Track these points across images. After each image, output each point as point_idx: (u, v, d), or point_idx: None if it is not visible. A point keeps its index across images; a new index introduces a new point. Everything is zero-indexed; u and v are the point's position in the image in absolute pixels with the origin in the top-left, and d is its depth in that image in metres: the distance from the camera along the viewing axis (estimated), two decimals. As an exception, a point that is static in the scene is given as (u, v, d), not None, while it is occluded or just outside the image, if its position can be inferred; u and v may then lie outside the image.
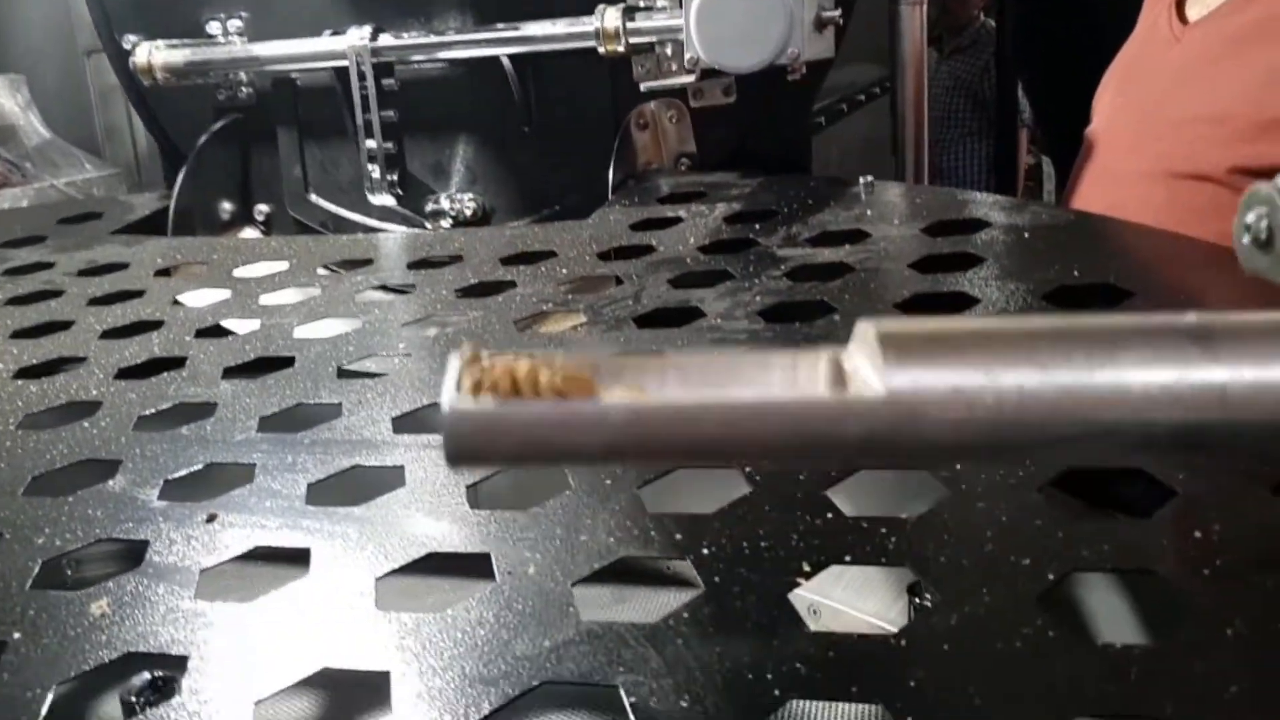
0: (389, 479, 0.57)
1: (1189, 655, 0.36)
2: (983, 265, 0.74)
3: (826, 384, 0.25)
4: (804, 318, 0.70)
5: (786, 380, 0.25)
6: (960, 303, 0.68)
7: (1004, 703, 0.35)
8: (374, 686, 0.42)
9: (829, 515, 0.47)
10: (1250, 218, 0.36)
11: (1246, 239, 0.37)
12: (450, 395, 0.24)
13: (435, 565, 0.49)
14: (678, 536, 0.47)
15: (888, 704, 0.36)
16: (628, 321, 0.74)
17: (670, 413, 0.24)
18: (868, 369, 0.24)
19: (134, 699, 0.54)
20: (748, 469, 0.51)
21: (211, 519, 0.55)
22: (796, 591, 0.43)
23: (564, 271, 0.87)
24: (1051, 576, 0.41)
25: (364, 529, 0.52)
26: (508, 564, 0.47)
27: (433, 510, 0.53)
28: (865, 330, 0.25)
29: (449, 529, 0.51)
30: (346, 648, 0.43)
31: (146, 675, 0.52)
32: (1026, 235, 0.78)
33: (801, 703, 0.49)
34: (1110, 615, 0.50)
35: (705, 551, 0.45)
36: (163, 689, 0.51)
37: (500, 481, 0.55)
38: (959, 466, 0.48)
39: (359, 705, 0.44)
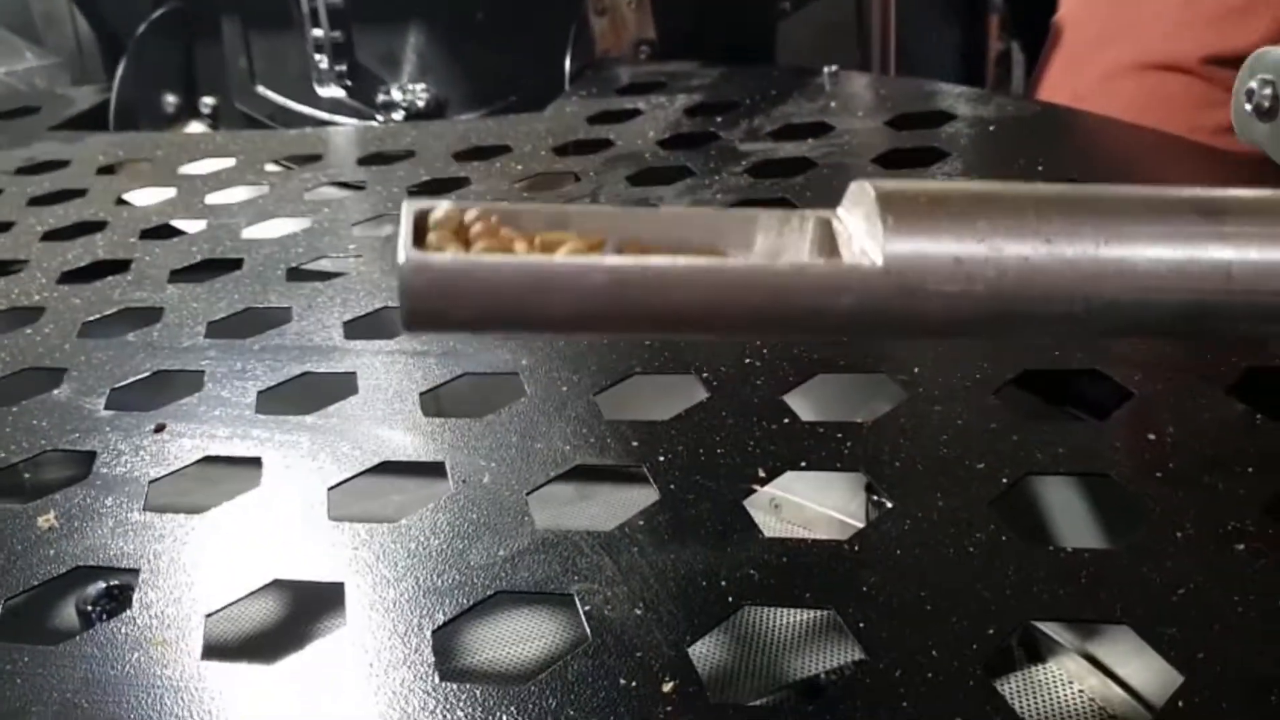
0: (341, 386, 0.56)
1: (1139, 558, 0.36)
2: (947, 160, 0.72)
3: (817, 249, 0.24)
4: (764, 215, 0.68)
5: (772, 243, 0.24)
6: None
7: (956, 607, 0.35)
8: (327, 597, 0.42)
9: (785, 420, 0.46)
10: (1254, 83, 0.34)
11: (1248, 106, 0.35)
12: (407, 246, 0.22)
13: (389, 474, 0.48)
14: (634, 444, 0.46)
15: (840, 609, 0.36)
16: (585, 220, 0.72)
17: (649, 275, 0.22)
18: (863, 234, 0.23)
19: (90, 608, 0.54)
20: (705, 374, 0.51)
21: (160, 429, 0.54)
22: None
23: (519, 168, 0.85)
24: (1005, 480, 0.41)
25: (316, 438, 0.51)
26: (462, 473, 0.46)
27: (386, 418, 0.52)
28: (862, 191, 0.23)
29: (403, 437, 0.50)
30: (299, 559, 0.43)
31: (101, 584, 0.52)
32: (992, 128, 0.77)
33: (755, 609, 0.49)
34: (1063, 519, 0.51)
35: (661, 459, 0.45)
36: (119, 597, 0.51)
37: (455, 389, 0.54)
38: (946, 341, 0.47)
39: (312, 616, 0.43)
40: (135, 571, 0.43)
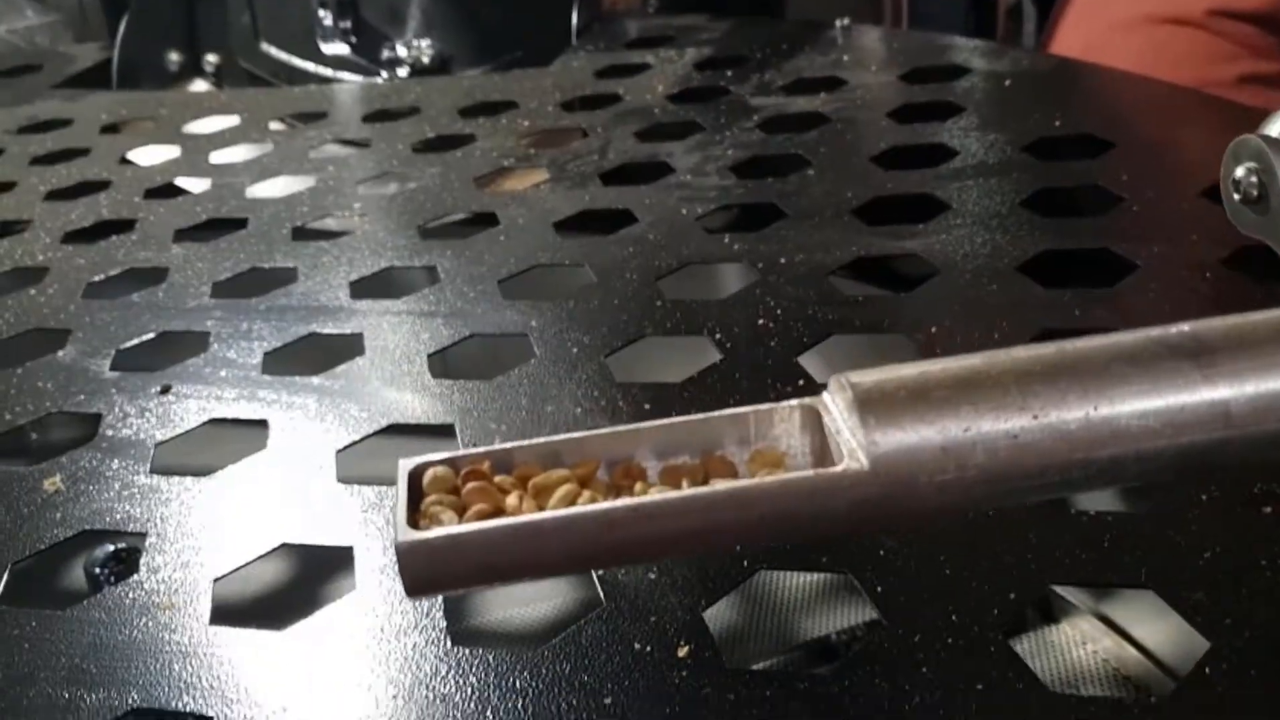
0: (348, 347, 0.55)
1: (1162, 522, 0.35)
2: (962, 115, 0.71)
3: (809, 440, 0.25)
4: (777, 172, 0.67)
5: (766, 437, 0.25)
6: (938, 155, 0.66)
7: (976, 572, 0.35)
8: (336, 561, 0.41)
9: (800, 382, 0.46)
10: (1239, 172, 0.33)
11: (1236, 196, 0.33)
12: (402, 525, 0.23)
13: (397, 437, 0.48)
14: (646, 406, 0.46)
15: (857, 573, 0.35)
16: (593, 178, 0.71)
17: (639, 514, 0.23)
18: (848, 429, 0.23)
19: (98, 571, 0.54)
20: (718, 336, 0.50)
21: (165, 390, 0.53)
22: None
23: (526, 124, 0.84)
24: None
25: (323, 400, 0.50)
26: (472, 435, 0.46)
27: (394, 380, 0.51)
28: (840, 387, 0.24)
29: (411, 399, 0.49)
30: (307, 523, 0.42)
31: (109, 547, 0.51)
32: (1007, 83, 0.76)
33: (771, 572, 0.48)
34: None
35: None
36: (126, 560, 0.50)
37: (464, 350, 0.54)
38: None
39: (321, 580, 0.43)
40: (142, 535, 0.43)
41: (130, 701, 0.35)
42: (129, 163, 0.89)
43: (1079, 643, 0.52)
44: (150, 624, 0.38)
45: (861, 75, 0.81)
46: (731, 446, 0.25)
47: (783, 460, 0.25)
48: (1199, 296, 0.49)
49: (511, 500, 0.24)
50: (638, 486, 0.25)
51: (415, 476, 0.25)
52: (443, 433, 0.47)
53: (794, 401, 0.25)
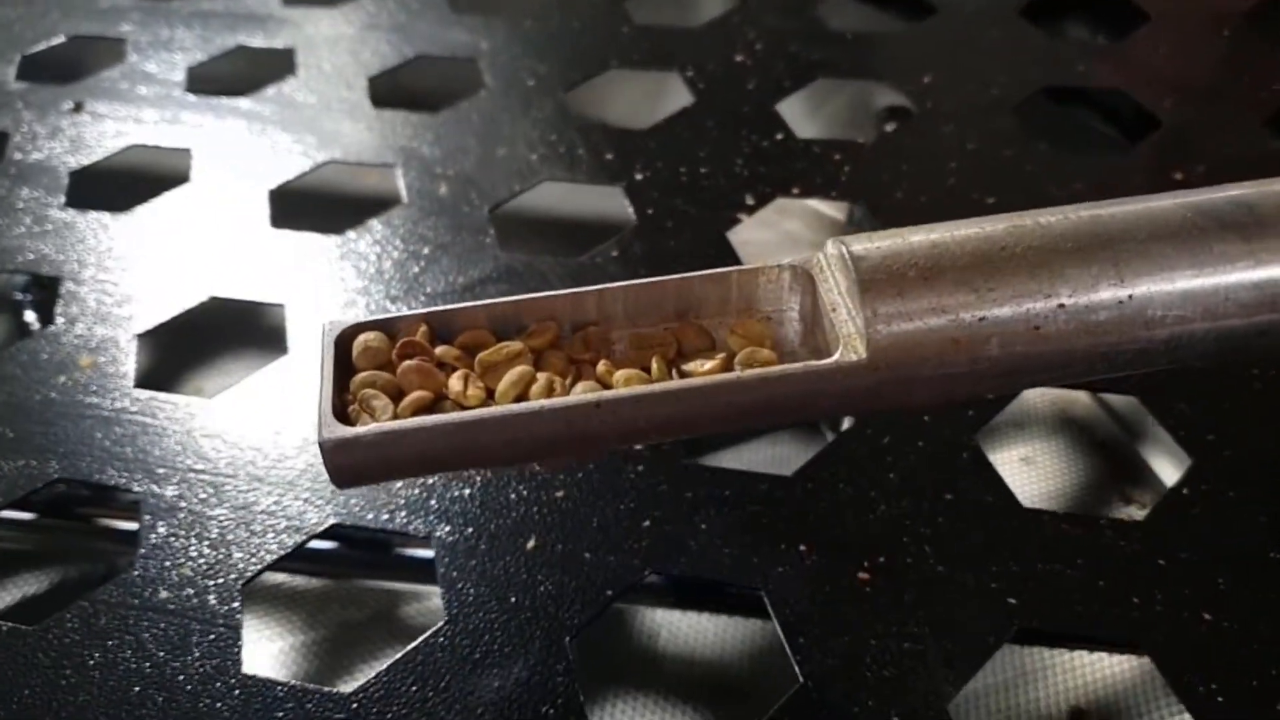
0: (279, 63, 0.50)
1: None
2: None
3: (796, 301, 0.22)
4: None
5: (748, 300, 0.23)
6: None
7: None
8: (268, 316, 0.38)
9: (778, 136, 0.42)
10: None
11: None
12: (327, 416, 0.20)
13: (335, 174, 0.44)
14: (608, 156, 0.42)
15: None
16: None
17: (599, 410, 0.20)
18: (845, 307, 0.21)
19: (20, 296, 0.50)
20: (689, 73, 0.45)
21: (78, 108, 0.48)
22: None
23: None
24: (1017, 220, 0.37)
25: (253, 126, 0.46)
26: (416, 181, 0.42)
27: (330, 106, 0.46)
28: (842, 258, 0.21)
29: (350, 131, 0.45)
30: (237, 274, 0.39)
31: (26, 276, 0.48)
32: None
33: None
34: None
35: (639, 176, 0.41)
36: (47, 285, 0.47)
37: (410, 73, 0.48)
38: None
39: (251, 336, 0.40)
40: (57, 280, 0.39)
41: (51, 471, 0.33)
42: None
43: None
44: (69, 384, 0.35)
45: None
46: (710, 309, 0.23)
47: (766, 333, 0.22)
48: (1212, 54, 0.44)
49: (455, 383, 0.21)
50: (601, 365, 0.22)
51: (343, 343, 0.22)
52: (384, 178, 0.43)
53: (784, 261, 0.22)
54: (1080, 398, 0.49)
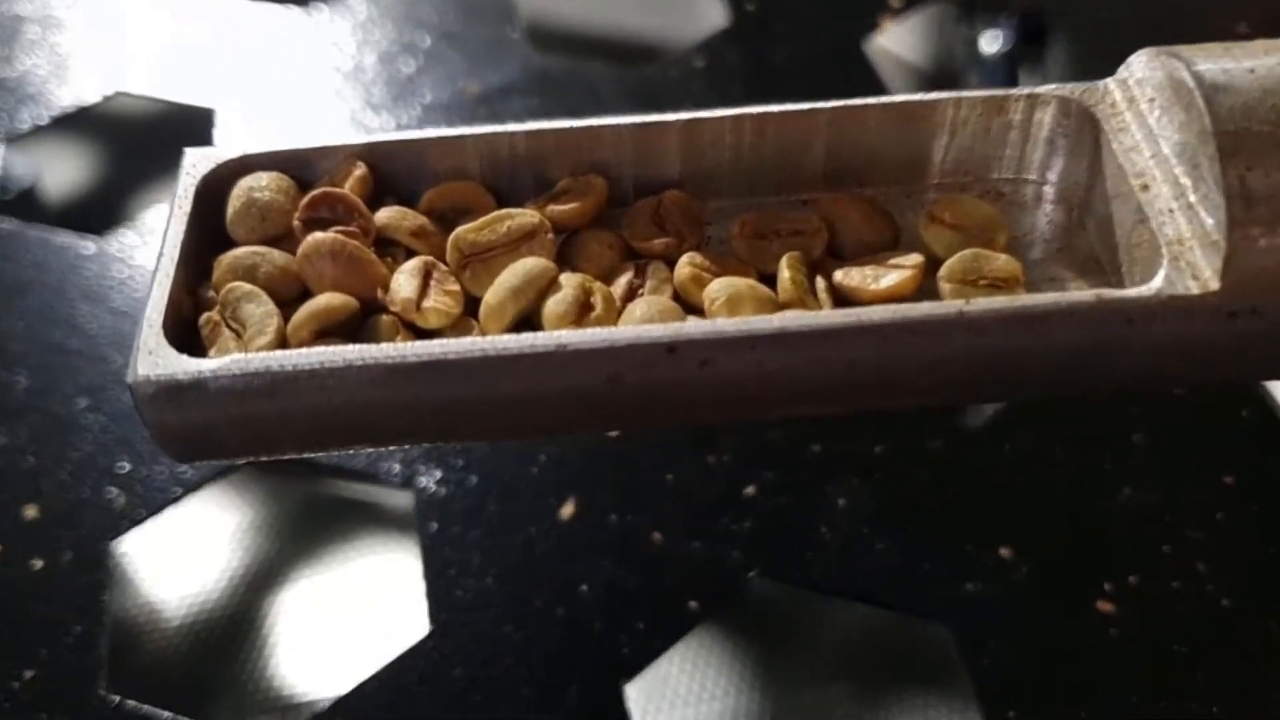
0: None
1: None
2: None
3: (1087, 160, 0.13)
4: None
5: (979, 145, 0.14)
6: None
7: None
8: (185, 126, 0.27)
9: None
10: None
11: None
12: (153, 349, 0.11)
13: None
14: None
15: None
16: None
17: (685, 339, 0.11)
18: (1181, 214, 0.12)
19: None
20: None
21: None
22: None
23: None
24: None
25: None
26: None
27: None
28: (1177, 85, 0.12)
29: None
30: (156, 62, 0.27)
31: None
32: None
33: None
34: None
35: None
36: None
37: None
38: None
39: (158, 151, 0.29)
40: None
41: None
42: None
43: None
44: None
45: None
46: (894, 171, 0.13)
47: (999, 223, 0.14)
48: None
49: (404, 281, 0.12)
50: (685, 266, 0.13)
51: (215, 191, 0.13)
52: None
53: (1046, 89, 0.13)
54: None
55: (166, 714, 0.16)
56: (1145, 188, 0.12)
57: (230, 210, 0.13)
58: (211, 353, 0.12)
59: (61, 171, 0.25)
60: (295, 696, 0.17)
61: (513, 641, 0.17)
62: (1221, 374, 0.12)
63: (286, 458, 0.13)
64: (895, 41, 0.27)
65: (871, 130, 0.14)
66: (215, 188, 0.13)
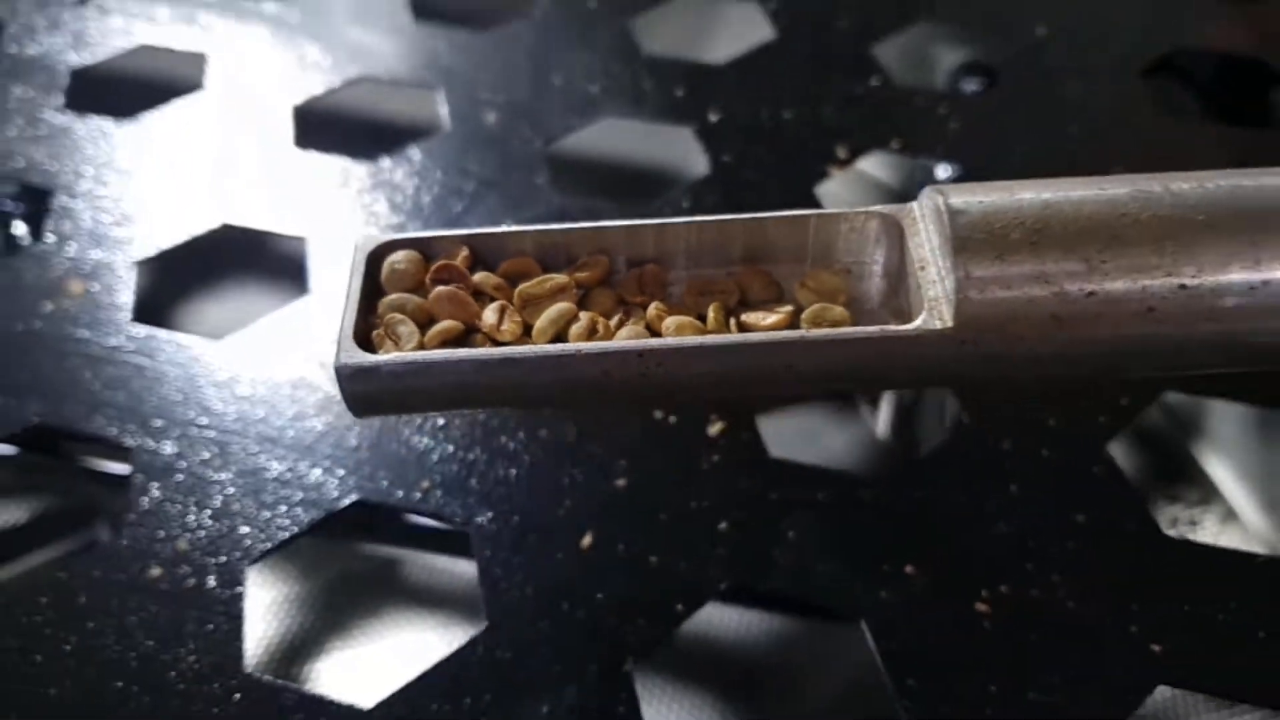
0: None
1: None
2: None
3: (883, 251, 0.20)
4: None
5: (828, 247, 0.21)
6: None
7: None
8: (287, 253, 0.34)
9: (873, 83, 0.37)
10: None
11: None
12: (347, 339, 0.19)
13: (368, 93, 0.39)
14: (678, 94, 0.37)
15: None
16: None
17: (639, 359, 0.18)
18: (936, 267, 0.19)
19: (4, 207, 0.46)
20: (771, 4, 0.40)
21: (84, 0, 0.43)
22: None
23: None
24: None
25: (277, 34, 0.41)
26: (460, 108, 0.37)
27: (363, 15, 0.41)
28: (938, 213, 0.18)
29: (385, 45, 0.40)
30: (254, 198, 0.34)
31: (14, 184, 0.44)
32: None
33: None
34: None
35: (713, 118, 0.36)
36: (37, 197, 0.43)
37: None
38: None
39: (271, 273, 0.36)
40: (49, 192, 0.35)
41: (31, 414, 0.28)
42: None
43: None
44: (56, 313, 0.31)
45: None
46: (783, 256, 0.21)
47: (842, 287, 0.20)
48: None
49: (489, 314, 0.19)
50: (652, 309, 0.20)
51: (375, 262, 0.20)
52: (424, 99, 0.38)
53: (873, 209, 0.20)
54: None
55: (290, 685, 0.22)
56: (923, 269, 0.19)
57: (384, 272, 0.20)
58: (380, 353, 0.19)
59: (183, 288, 0.32)
60: (395, 662, 0.23)
61: (547, 633, 0.23)
62: (955, 381, 0.19)
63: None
64: (841, 185, 0.34)
65: (770, 231, 0.20)
66: (375, 259, 0.20)
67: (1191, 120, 0.37)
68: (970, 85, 0.38)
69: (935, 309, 0.18)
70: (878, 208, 0.20)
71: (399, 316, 0.19)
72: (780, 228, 0.20)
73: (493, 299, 0.20)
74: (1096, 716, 0.22)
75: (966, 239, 0.18)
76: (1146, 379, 0.28)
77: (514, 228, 0.21)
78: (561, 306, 0.20)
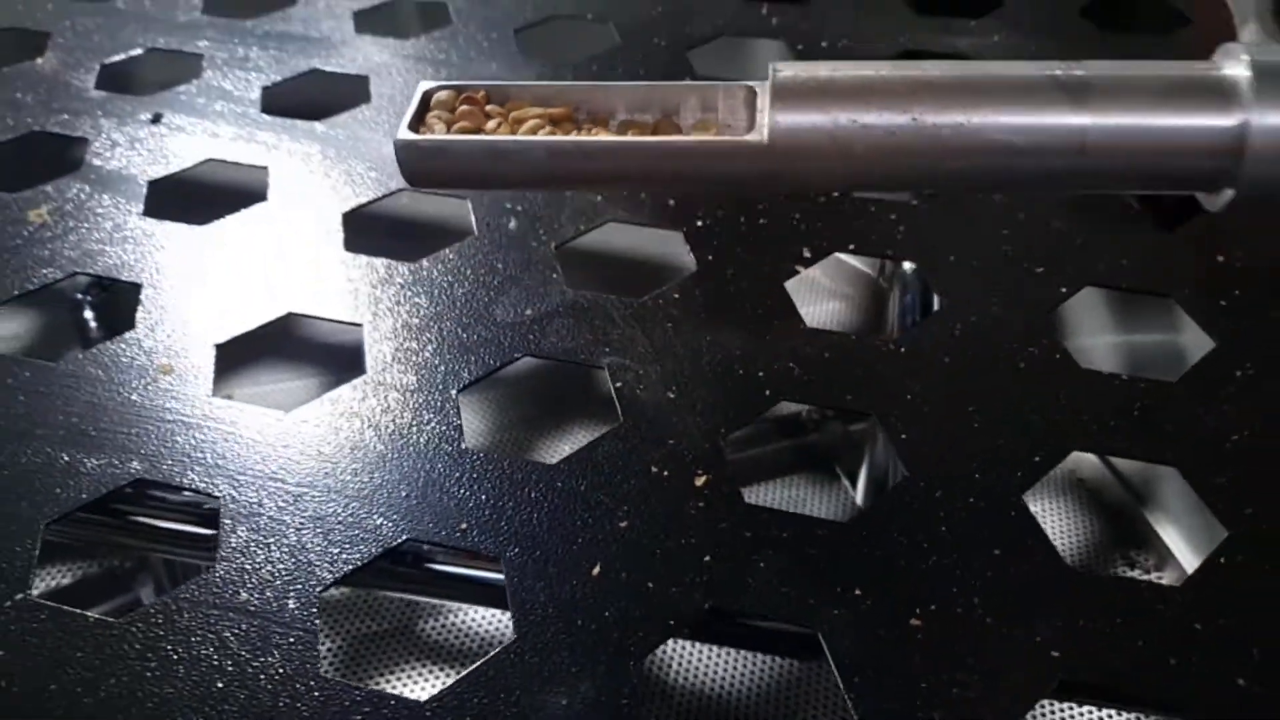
0: (352, 90, 0.51)
1: (1195, 397, 0.35)
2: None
3: (746, 113, 0.28)
4: None
5: (713, 110, 0.29)
6: None
7: (1002, 427, 0.34)
8: (345, 340, 0.40)
9: (835, 194, 0.43)
10: None
11: None
12: (404, 126, 0.28)
13: (407, 202, 0.46)
14: (670, 203, 0.43)
15: (881, 416, 0.35)
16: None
17: (576, 149, 0.27)
18: (761, 114, 0.27)
19: (81, 296, 0.52)
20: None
21: (157, 119, 0.50)
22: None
23: None
24: (1064, 290, 0.39)
25: (328, 150, 0.47)
26: (486, 214, 0.43)
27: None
28: (771, 72, 0.27)
29: (421, 162, 0.46)
30: (315, 292, 0.41)
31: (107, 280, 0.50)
32: None
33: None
34: (1120, 341, 0.49)
35: (700, 224, 0.42)
36: (128, 291, 0.49)
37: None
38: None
39: (330, 359, 0.42)
40: (137, 286, 0.41)
41: (133, 471, 0.34)
42: None
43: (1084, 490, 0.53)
44: (150, 388, 0.37)
45: None
46: (687, 113, 0.29)
47: (713, 129, 0.29)
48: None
49: (491, 125, 0.29)
50: (596, 131, 0.29)
51: (427, 96, 0.29)
52: (455, 208, 0.44)
53: (742, 82, 0.28)
54: (1090, 460, 0.50)
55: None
56: (761, 113, 0.27)
57: (432, 100, 0.30)
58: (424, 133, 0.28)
59: (255, 366, 0.38)
60: (443, 665, 0.28)
61: (565, 642, 0.29)
62: (773, 184, 0.27)
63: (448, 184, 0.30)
64: (804, 281, 0.40)
65: (680, 94, 0.29)
66: (428, 94, 0.30)
67: (1107, 226, 0.43)
68: (916, 196, 0.44)
69: (759, 132, 0.26)
70: (747, 82, 0.28)
71: (437, 118, 0.29)
72: (688, 92, 0.29)
73: (495, 118, 0.29)
74: (1005, 706, 0.27)
75: (781, 90, 0.26)
76: (1052, 442, 0.34)
77: (517, 82, 0.30)
78: (535, 122, 0.29)
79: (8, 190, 0.46)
